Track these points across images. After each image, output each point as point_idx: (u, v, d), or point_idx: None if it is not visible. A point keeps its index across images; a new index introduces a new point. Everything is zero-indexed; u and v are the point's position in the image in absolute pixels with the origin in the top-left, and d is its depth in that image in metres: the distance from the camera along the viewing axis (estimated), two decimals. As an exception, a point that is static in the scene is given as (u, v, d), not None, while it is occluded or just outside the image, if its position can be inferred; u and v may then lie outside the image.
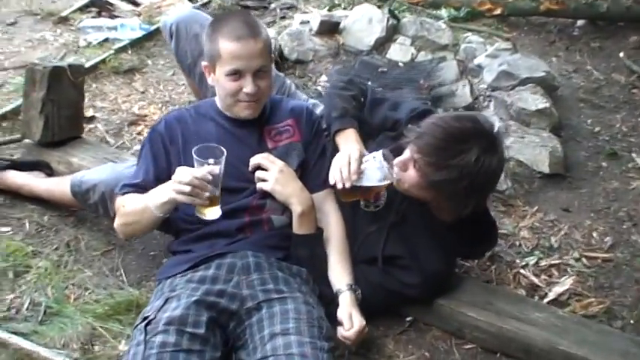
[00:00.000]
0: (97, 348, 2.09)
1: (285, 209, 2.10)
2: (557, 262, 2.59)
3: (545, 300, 2.39)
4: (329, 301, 2.06)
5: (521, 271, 2.53)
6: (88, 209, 2.55)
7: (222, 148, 1.92)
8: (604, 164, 3.23)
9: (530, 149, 3.07)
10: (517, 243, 2.69)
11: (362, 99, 2.35)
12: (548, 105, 3.34)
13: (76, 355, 2.05)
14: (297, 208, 2.06)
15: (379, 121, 2.33)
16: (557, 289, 2.44)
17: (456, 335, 2.23)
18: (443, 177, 1.92)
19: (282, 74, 2.93)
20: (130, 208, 2.07)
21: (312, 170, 2.20)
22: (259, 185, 2.07)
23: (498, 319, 2.16)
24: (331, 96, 2.37)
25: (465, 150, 1.90)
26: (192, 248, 2.07)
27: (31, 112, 2.82)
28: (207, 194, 1.89)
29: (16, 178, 2.71)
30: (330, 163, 2.14)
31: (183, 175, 1.89)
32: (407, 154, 2.02)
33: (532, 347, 2.11)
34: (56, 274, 2.39)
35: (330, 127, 2.26)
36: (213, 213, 1.96)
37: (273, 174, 2.06)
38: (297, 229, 2.08)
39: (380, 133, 2.31)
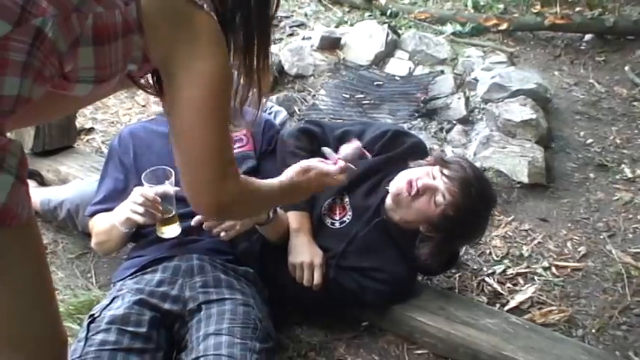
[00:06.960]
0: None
1: None
2: (524, 270, 2.56)
3: (506, 308, 2.36)
4: None
5: (486, 279, 2.51)
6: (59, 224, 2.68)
7: (169, 169, 1.98)
8: (591, 175, 3.19)
9: (509, 159, 3.06)
10: (487, 251, 2.66)
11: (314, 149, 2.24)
12: (534, 116, 3.31)
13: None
14: None
15: None
16: (518, 297, 2.40)
17: (408, 340, 2.23)
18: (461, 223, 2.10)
19: None
20: (100, 227, 2.17)
21: None
22: None
23: (447, 324, 2.16)
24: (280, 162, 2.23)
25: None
26: (143, 253, 2.14)
27: (23, 122, 2.97)
28: (159, 214, 1.98)
29: None
30: None
31: (135, 195, 1.99)
32: (434, 183, 2.10)
33: (479, 353, 2.10)
34: (30, 275, 2.50)
35: None
36: (171, 231, 2.04)
37: None
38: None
39: None
